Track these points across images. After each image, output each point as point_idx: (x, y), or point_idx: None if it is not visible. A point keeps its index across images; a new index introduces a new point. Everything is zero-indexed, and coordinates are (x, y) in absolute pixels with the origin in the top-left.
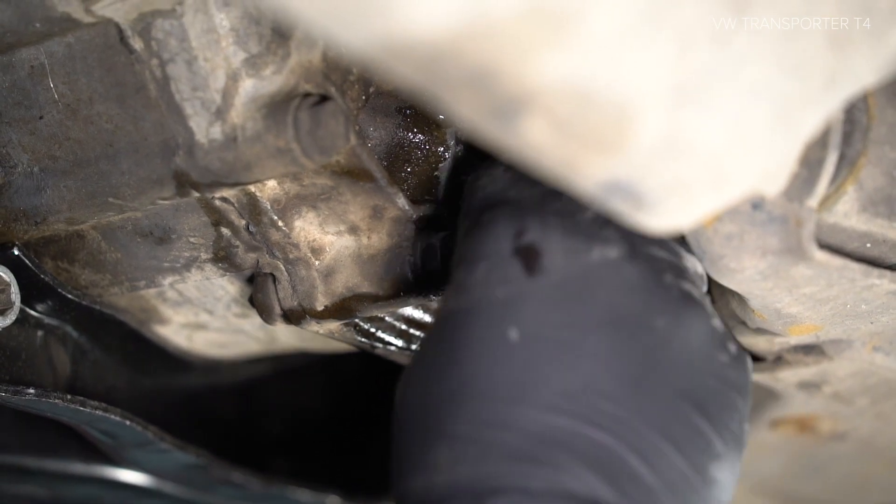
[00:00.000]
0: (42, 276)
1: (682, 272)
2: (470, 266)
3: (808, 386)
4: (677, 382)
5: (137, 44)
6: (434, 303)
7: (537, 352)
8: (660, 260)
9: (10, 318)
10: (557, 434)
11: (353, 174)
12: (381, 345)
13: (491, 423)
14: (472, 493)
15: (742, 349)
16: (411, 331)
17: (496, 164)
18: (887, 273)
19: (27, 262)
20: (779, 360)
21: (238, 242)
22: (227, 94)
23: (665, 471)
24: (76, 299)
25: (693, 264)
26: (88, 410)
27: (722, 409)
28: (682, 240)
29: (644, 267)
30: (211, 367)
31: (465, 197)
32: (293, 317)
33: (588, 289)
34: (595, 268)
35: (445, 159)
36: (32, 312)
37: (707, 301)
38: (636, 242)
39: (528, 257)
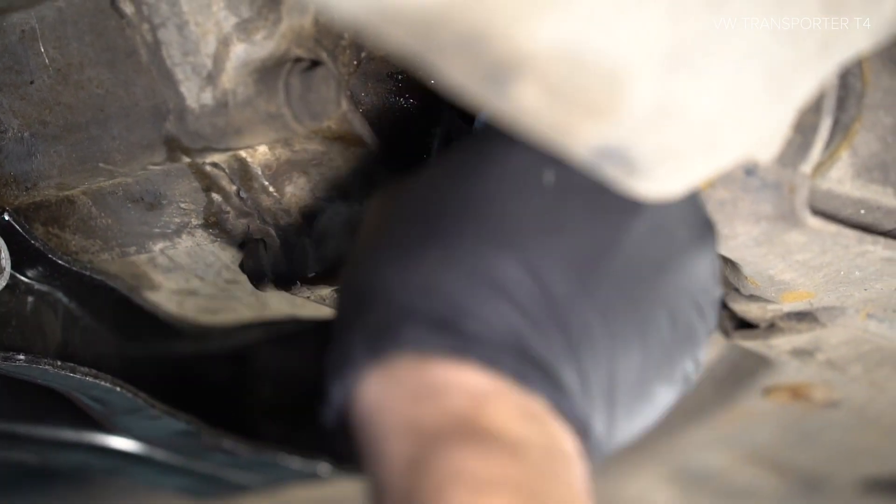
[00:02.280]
0: (32, 242)
1: (701, 200)
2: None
3: (802, 353)
4: (670, 296)
5: (128, 8)
6: None
7: (564, 206)
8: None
9: (0, 284)
10: (553, 291)
11: (345, 140)
12: None
13: (497, 251)
14: (445, 312)
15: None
16: None
17: None
18: (881, 239)
19: (17, 227)
20: (772, 328)
21: (229, 208)
22: (218, 58)
23: (627, 370)
24: (67, 265)
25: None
26: (79, 377)
27: (689, 339)
28: None
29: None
30: (202, 333)
31: None
32: (284, 283)
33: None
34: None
35: (437, 124)
36: (23, 278)
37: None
38: None
39: None
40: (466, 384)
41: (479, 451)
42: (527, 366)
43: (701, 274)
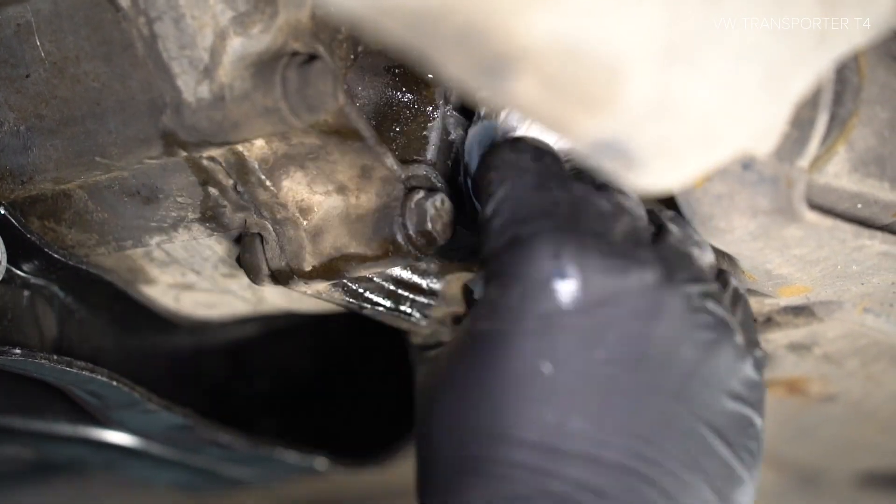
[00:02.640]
0: (28, 236)
1: (714, 295)
2: (504, 287)
3: (798, 348)
4: (703, 413)
5: (124, 1)
6: (423, 263)
7: (572, 391)
8: (690, 282)
9: None
10: (594, 481)
11: (342, 134)
12: (369, 305)
13: (526, 467)
14: None
15: (759, 362)
16: (399, 291)
17: (513, 146)
18: (878, 234)
19: (13, 221)
20: (769, 322)
21: (225, 202)
22: (215, 52)
23: None
24: (63, 259)
25: (728, 280)
26: (75, 371)
27: (741, 431)
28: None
29: (677, 293)
30: (198, 327)
31: (480, 184)
32: (281, 277)
33: (624, 319)
34: (632, 295)
35: (434, 118)
36: (19, 272)
37: (732, 322)
38: (672, 266)
39: (565, 283)
40: None
41: None
42: None
43: (724, 370)
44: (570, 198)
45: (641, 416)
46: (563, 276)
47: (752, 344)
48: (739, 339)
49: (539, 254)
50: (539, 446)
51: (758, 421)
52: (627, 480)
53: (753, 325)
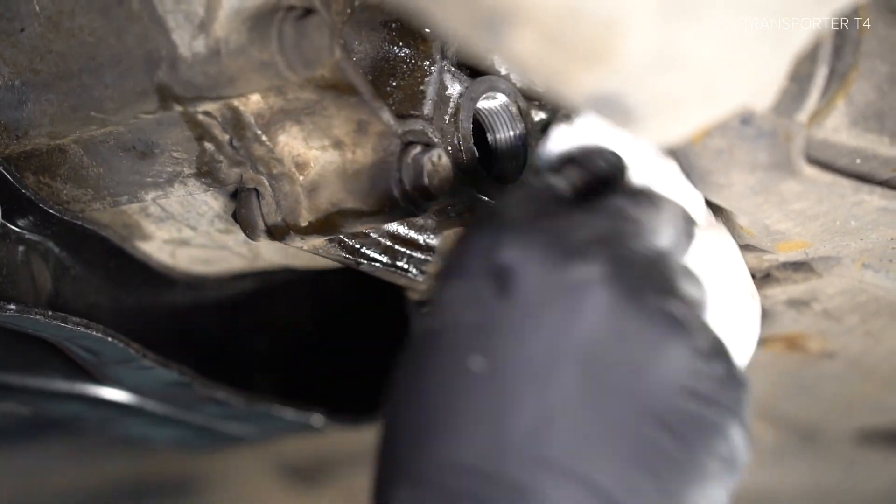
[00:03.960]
0: (23, 191)
1: (668, 290)
2: (444, 283)
3: (797, 303)
4: (650, 410)
5: None
6: (420, 219)
7: (503, 385)
8: (644, 279)
9: None
10: (522, 481)
11: (338, 88)
12: (365, 261)
13: (452, 468)
14: None
15: (735, 368)
16: (396, 247)
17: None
18: (877, 189)
19: (8, 176)
20: (767, 278)
21: (221, 157)
22: (211, 6)
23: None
24: (58, 214)
25: (686, 286)
26: (70, 327)
27: (702, 431)
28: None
29: (625, 289)
30: (194, 283)
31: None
32: (277, 232)
33: (560, 315)
34: (570, 289)
35: (431, 73)
36: (13, 228)
37: (694, 318)
38: (622, 262)
39: (501, 277)
40: None
41: None
42: None
43: (677, 370)
44: (539, 209)
45: (578, 413)
46: (499, 270)
47: (720, 350)
48: (701, 340)
49: (476, 247)
50: (466, 439)
51: (731, 425)
52: (556, 480)
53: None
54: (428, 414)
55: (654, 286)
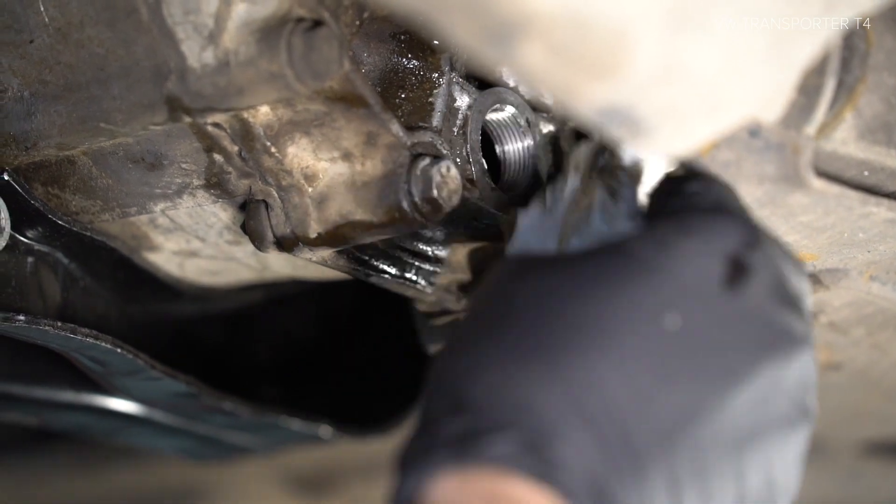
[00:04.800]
0: (32, 202)
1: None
2: (677, 230)
3: None
4: (743, 472)
5: None
6: (428, 231)
7: (681, 356)
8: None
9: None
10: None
11: (347, 100)
12: (374, 272)
13: (619, 403)
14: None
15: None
16: (405, 258)
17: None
18: (885, 201)
19: (17, 187)
20: None
21: (230, 169)
22: (220, 18)
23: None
24: (67, 225)
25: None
26: (79, 338)
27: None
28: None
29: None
30: (202, 294)
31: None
32: (286, 244)
33: (765, 345)
34: (777, 332)
35: (440, 85)
36: (22, 239)
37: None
38: (809, 330)
39: (737, 272)
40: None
41: None
42: None
43: (789, 455)
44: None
45: (721, 400)
46: (738, 264)
47: None
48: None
49: (733, 229)
50: (634, 396)
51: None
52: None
53: None
54: (604, 337)
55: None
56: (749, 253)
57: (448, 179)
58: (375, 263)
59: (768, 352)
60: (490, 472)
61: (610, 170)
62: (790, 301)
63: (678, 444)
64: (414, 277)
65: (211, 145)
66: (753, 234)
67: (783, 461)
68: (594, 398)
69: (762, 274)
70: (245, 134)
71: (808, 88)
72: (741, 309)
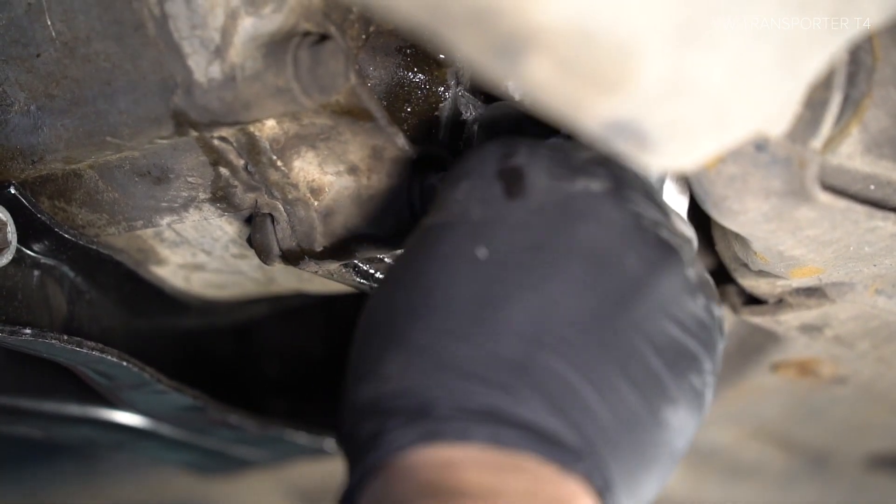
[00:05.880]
0: (39, 216)
1: (662, 223)
2: (453, 183)
3: (810, 329)
4: (640, 324)
5: None
6: None
7: (504, 273)
8: (642, 204)
9: (6, 258)
10: (513, 356)
11: (353, 114)
12: None
13: (447, 335)
14: (416, 406)
15: (717, 310)
16: None
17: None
18: (891, 215)
19: (24, 201)
20: (780, 303)
21: (236, 182)
22: (226, 32)
23: (618, 405)
24: (73, 239)
25: (678, 223)
26: (85, 351)
27: (681, 357)
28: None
29: (625, 207)
30: (208, 307)
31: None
32: (292, 257)
33: (566, 217)
34: (576, 198)
35: (446, 99)
36: (29, 252)
37: (686, 251)
38: (622, 184)
39: (511, 180)
40: (438, 459)
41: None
42: (504, 429)
43: (668, 294)
44: (543, 130)
45: (574, 306)
46: (509, 173)
47: (706, 289)
48: (691, 273)
49: (489, 153)
50: (465, 315)
51: (706, 362)
52: (546, 361)
53: (712, 284)
54: (428, 293)
55: (652, 212)
56: (512, 160)
57: None
58: (381, 277)
59: (570, 228)
60: (396, 459)
61: None
62: (575, 170)
63: (550, 338)
64: None
65: (217, 159)
66: (509, 146)
67: (669, 297)
68: (453, 351)
69: (535, 170)
70: (251, 148)
71: (815, 103)
72: (531, 208)
